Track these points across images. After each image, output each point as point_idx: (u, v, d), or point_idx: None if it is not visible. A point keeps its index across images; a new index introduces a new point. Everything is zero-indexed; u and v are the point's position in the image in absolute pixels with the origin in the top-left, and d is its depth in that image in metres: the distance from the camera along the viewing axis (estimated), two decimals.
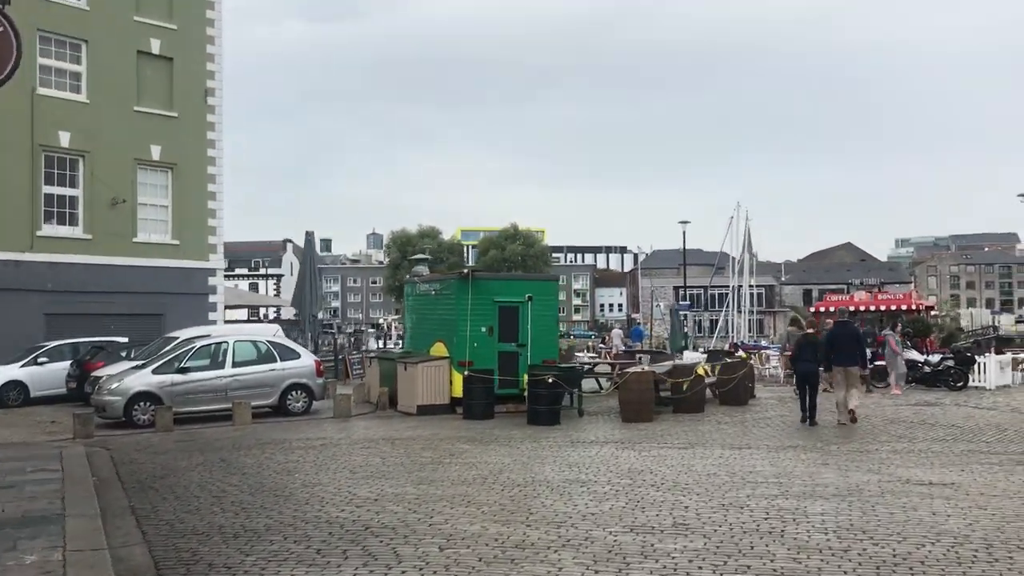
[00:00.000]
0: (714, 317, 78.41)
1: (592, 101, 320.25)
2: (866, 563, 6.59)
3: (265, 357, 18.77)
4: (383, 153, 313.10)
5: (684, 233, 48.83)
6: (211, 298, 30.07)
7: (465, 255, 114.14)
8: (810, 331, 17.88)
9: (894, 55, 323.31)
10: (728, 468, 11.01)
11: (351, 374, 29.05)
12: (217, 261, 30.37)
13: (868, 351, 22.56)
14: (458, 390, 17.82)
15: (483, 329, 18.25)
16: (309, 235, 31.38)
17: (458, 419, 17.36)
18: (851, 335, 16.63)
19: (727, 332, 69.69)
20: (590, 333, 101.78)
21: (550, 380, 16.24)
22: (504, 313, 18.48)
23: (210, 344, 18.65)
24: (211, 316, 29.46)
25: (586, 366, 22.95)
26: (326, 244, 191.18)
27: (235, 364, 18.34)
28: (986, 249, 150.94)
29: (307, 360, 19.41)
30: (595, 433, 15.07)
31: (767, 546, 7.16)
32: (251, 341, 19.25)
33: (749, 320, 76.99)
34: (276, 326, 26.05)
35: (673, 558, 6.85)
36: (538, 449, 13.07)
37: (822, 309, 28.27)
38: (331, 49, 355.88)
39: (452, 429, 15.83)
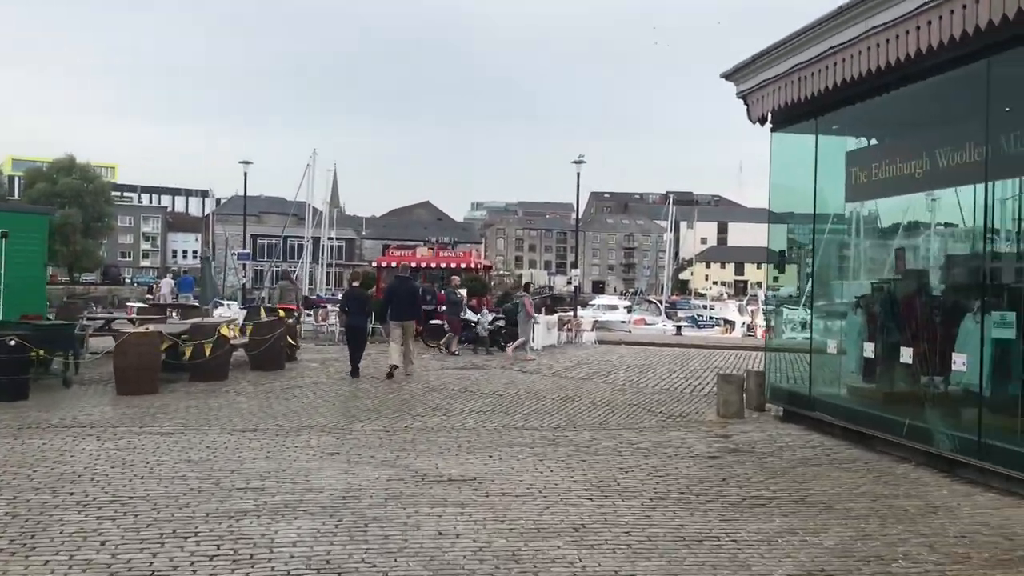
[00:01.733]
0: (291, 268, 75.76)
1: (195, 36, 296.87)
2: None
3: None
4: None
5: (246, 175, 44.82)
6: None
7: (14, 187, 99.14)
8: (356, 284, 17.32)
9: (484, 28, 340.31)
10: (208, 466, 8.39)
11: None
12: None
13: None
14: None
15: None
16: None
17: None
18: (409, 290, 16.58)
19: (307, 285, 67.69)
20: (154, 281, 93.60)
21: (12, 342, 12.39)
22: None
23: None
24: None
25: (95, 323, 18.90)
26: None
27: None
28: (548, 216, 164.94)
29: None
30: (67, 411, 11.61)
31: None
32: None
33: (327, 273, 75.40)
34: None
35: None
36: None
37: (384, 264, 26.93)
38: None
39: None
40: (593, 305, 64.06)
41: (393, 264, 27.21)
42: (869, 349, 10.40)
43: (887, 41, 8.91)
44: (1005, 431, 8.12)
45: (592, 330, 29.01)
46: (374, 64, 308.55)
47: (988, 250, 8.55)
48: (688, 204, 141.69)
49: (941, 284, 10.35)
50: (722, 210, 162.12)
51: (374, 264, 29.87)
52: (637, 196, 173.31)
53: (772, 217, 12.68)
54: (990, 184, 8.33)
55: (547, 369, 18.09)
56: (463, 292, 24.75)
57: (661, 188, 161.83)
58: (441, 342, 21.25)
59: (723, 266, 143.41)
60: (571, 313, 36.20)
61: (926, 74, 9.17)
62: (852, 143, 11.64)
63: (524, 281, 28.75)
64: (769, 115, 11.98)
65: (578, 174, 39.51)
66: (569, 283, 60.42)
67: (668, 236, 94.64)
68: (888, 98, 9.94)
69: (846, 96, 10.32)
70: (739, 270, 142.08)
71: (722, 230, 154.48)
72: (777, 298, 13.66)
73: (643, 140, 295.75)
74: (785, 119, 11.89)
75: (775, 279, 14.00)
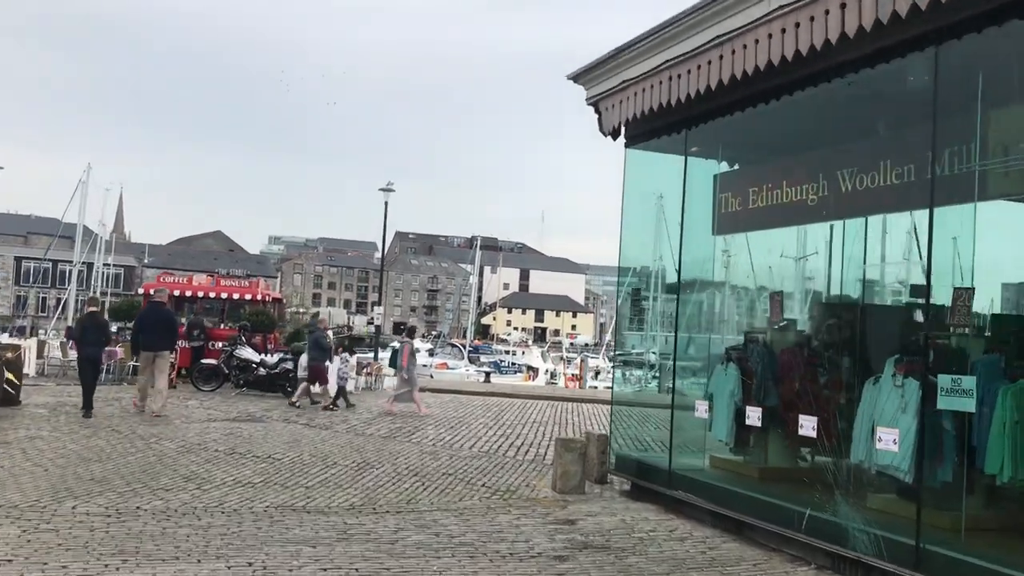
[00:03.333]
0: (61, 295, 68.32)
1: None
2: None
3: None
4: None
5: None
6: None
7: None
8: (94, 310, 15.41)
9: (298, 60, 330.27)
10: None
11: None
12: None
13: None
14: None
15: None
16: None
17: None
18: (164, 319, 15.44)
19: (77, 313, 60.99)
20: None
21: None
22: None
23: None
24: None
25: None
26: None
27: None
28: (350, 254, 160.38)
29: None
30: None
31: None
32: None
33: (102, 303, 68.35)
34: None
35: None
36: None
37: (152, 291, 23.13)
38: None
39: None
40: (394, 347, 61.17)
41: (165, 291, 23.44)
42: (753, 415, 8.36)
43: (797, 25, 7.00)
44: (948, 533, 6.21)
45: (394, 376, 26.27)
46: (170, 82, 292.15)
47: (928, 301, 6.63)
48: (493, 250, 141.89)
49: (838, 337, 8.53)
50: (525, 257, 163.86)
51: (142, 291, 25.90)
52: (443, 238, 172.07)
53: (624, 248, 10.55)
54: (936, 210, 6.42)
55: (341, 422, 15.23)
56: (331, 335, 21.16)
57: (467, 232, 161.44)
58: (294, 398, 17.33)
59: (524, 312, 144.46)
60: (371, 355, 33.33)
61: (832, 73, 7.37)
62: (725, 165, 9.78)
63: (410, 325, 25.96)
64: (625, 126, 9.94)
65: (386, 203, 36.74)
66: (370, 323, 57.31)
67: (473, 279, 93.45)
68: (779, 105, 8.08)
69: (728, 103, 8.41)
70: (539, 317, 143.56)
71: (524, 277, 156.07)
72: (620, 349, 11.59)
73: (449, 186, 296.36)
74: (646, 132, 9.87)
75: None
